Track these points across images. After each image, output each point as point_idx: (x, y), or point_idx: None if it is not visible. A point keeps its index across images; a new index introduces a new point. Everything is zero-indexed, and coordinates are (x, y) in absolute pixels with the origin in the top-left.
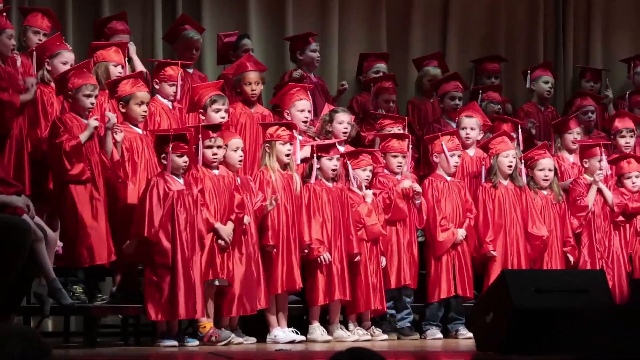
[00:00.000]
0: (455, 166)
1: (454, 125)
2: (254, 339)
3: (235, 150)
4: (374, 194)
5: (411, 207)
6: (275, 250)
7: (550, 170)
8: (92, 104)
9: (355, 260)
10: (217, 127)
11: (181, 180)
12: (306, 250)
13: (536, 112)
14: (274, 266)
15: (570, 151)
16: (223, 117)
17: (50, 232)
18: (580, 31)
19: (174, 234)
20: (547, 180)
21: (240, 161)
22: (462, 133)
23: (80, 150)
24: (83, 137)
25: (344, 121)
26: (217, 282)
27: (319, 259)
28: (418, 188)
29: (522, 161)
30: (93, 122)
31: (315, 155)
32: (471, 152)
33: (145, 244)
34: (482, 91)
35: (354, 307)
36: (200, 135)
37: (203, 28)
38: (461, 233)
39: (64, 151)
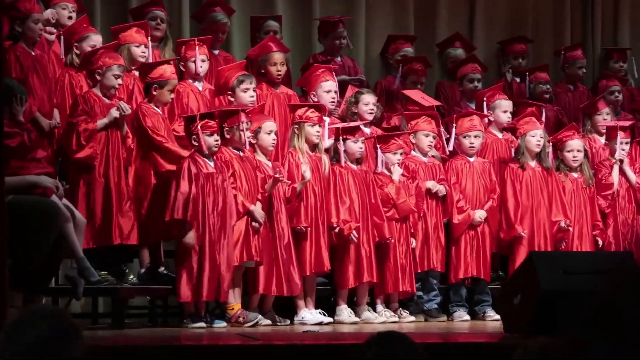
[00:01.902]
0: (472, 146)
1: (473, 107)
2: (287, 321)
3: (269, 134)
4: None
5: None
6: (306, 229)
7: (579, 151)
8: (119, 84)
9: (387, 242)
10: (234, 113)
11: (212, 163)
12: (336, 230)
13: (565, 93)
14: (302, 248)
15: (600, 133)
16: (252, 96)
17: (79, 214)
18: (608, 10)
19: (203, 216)
20: (576, 161)
21: (273, 144)
22: (504, 116)
23: (93, 135)
24: (100, 123)
25: (369, 102)
26: (246, 265)
27: (350, 237)
28: (442, 192)
29: (551, 144)
30: (114, 112)
31: (341, 137)
32: (500, 134)
33: (174, 225)
34: (529, 73)
35: (383, 288)
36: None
37: (233, 10)
38: (479, 215)
39: (77, 131)
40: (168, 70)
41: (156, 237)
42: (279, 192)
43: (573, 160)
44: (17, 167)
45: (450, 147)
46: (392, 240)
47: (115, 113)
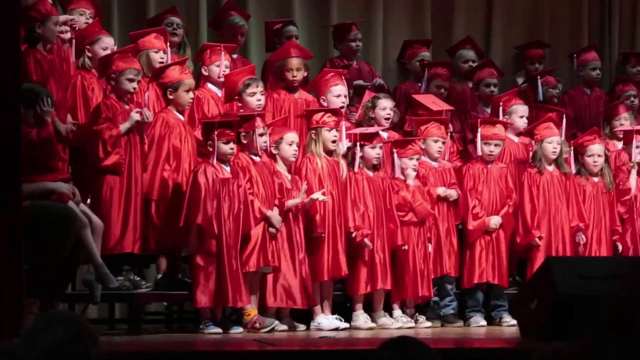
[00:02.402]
0: (491, 154)
1: (489, 111)
2: (303, 326)
3: (290, 145)
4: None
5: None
6: (323, 235)
7: (599, 155)
8: (134, 88)
9: (402, 249)
10: (250, 117)
11: (227, 168)
12: (353, 235)
13: (581, 96)
14: (319, 253)
15: (619, 138)
16: (259, 100)
17: (96, 219)
18: (626, 14)
19: (219, 221)
20: (596, 165)
21: (294, 155)
22: (521, 121)
23: (118, 141)
24: (123, 127)
25: (386, 107)
26: (263, 270)
27: (364, 242)
28: (453, 196)
29: (572, 148)
30: (135, 115)
31: (358, 143)
32: (516, 138)
33: (189, 231)
34: (540, 77)
35: (401, 294)
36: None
37: (249, 14)
38: (494, 222)
39: (102, 139)
40: (178, 71)
41: (173, 244)
42: (297, 210)
43: (593, 165)
44: (33, 173)
45: (479, 152)
46: (406, 248)
47: (135, 116)
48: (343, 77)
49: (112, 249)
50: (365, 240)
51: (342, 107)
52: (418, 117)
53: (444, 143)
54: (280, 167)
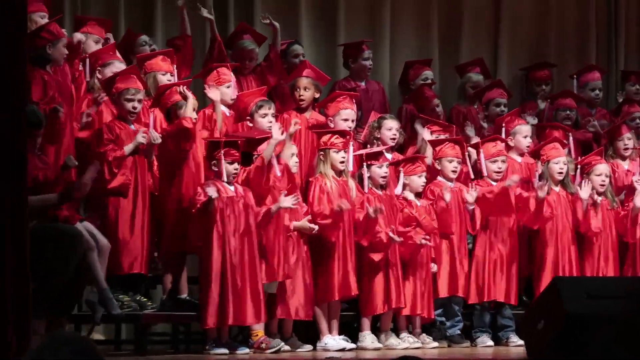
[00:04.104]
0: (499, 172)
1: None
2: (310, 347)
3: (291, 157)
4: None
5: (463, 214)
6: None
7: (607, 175)
8: (134, 108)
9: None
10: (262, 140)
11: (232, 187)
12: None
13: (584, 116)
14: (329, 273)
15: (623, 158)
16: (270, 122)
17: (103, 239)
18: (632, 33)
19: (223, 240)
20: (603, 185)
21: (295, 165)
22: (525, 141)
23: (122, 162)
24: (127, 149)
25: (392, 127)
26: (267, 289)
27: (390, 237)
28: (470, 199)
29: (579, 167)
30: (140, 138)
31: (364, 163)
32: (519, 158)
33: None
34: (550, 100)
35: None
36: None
37: (264, 37)
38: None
39: (107, 161)
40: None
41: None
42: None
43: (600, 185)
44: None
45: (485, 172)
46: (429, 241)
47: (140, 138)
48: (354, 101)
49: (118, 269)
50: (391, 234)
51: None
52: (433, 140)
53: (459, 163)
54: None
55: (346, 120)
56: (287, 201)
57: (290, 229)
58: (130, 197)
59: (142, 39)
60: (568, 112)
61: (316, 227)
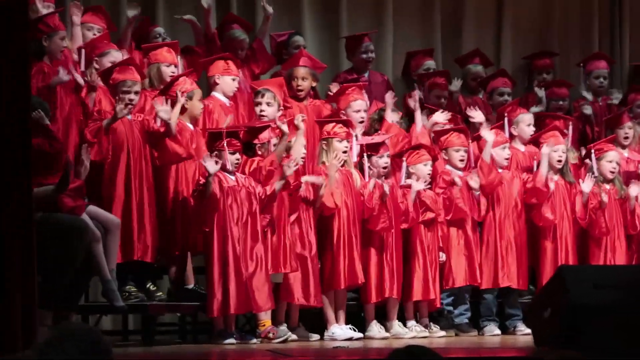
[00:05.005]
0: (507, 159)
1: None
2: (317, 336)
3: (302, 153)
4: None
5: (473, 201)
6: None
7: (617, 163)
8: (130, 100)
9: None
10: (263, 129)
11: (233, 177)
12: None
13: (590, 104)
14: (336, 261)
15: (623, 146)
16: (262, 111)
17: (112, 218)
18: (636, 22)
19: (226, 229)
20: (613, 172)
21: (302, 158)
22: (528, 130)
23: (100, 132)
24: (105, 122)
25: (393, 120)
26: (273, 279)
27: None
28: (474, 185)
29: (593, 151)
30: (120, 112)
31: (365, 154)
32: (522, 147)
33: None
34: (545, 88)
35: (409, 296)
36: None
37: (252, 26)
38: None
39: (85, 138)
40: (188, 81)
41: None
42: (308, 209)
43: (611, 172)
44: (41, 179)
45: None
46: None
47: (121, 112)
48: (363, 91)
49: (125, 257)
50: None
51: (361, 122)
52: (438, 130)
53: (466, 151)
54: None
55: (358, 111)
56: (290, 169)
57: (301, 183)
58: (136, 187)
59: (157, 30)
60: (561, 102)
61: (324, 180)
